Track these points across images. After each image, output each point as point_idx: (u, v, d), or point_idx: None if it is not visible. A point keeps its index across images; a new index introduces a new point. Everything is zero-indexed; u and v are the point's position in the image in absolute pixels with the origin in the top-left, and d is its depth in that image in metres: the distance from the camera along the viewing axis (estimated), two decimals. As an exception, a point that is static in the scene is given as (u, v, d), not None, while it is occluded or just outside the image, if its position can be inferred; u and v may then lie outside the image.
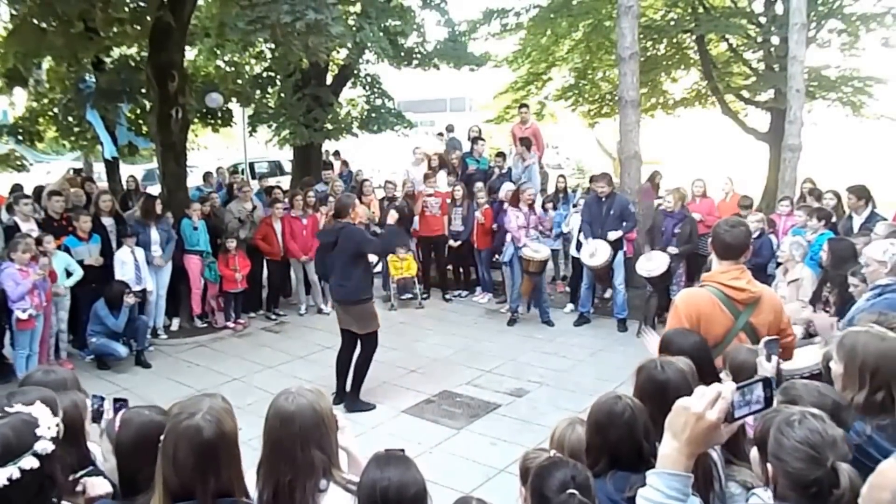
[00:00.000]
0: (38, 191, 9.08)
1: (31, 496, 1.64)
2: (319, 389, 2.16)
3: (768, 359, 2.75)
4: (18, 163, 12.70)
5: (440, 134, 12.10)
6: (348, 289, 5.89)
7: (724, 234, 3.29)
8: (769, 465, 1.75)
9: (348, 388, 6.04)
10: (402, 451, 2.12)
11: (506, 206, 8.76)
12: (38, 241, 6.74)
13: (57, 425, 1.74)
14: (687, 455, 1.45)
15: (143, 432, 1.93)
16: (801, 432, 1.66)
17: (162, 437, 1.84)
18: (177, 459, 1.77)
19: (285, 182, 14.40)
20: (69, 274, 7.06)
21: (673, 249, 7.72)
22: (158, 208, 7.90)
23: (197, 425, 1.79)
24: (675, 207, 7.94)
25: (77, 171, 10.11)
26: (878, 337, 2.26)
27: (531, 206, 8.42)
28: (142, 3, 8.39)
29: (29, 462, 1.62)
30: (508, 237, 8.43)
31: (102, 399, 2.37)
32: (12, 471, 1.59)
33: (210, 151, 24.60)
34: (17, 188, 9.50)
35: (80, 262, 7.20)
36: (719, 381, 2.64)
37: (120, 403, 2.39)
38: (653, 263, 7.65)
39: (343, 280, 5.88)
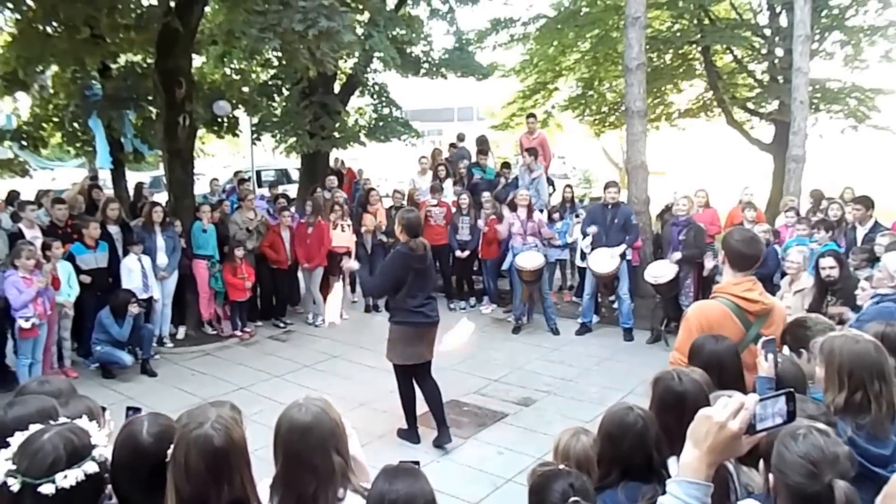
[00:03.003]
0: (42, 195, 9.10)
1: (87, 502, 1.69)
2: (325, 398, 2.16)
3: (766, 358, 2.74)
4: (21, 168, 12.69)
5: (452, 145, 12.10)
6: (437, 309, 5.46)
7: (738, 245, 3.25)
8: (771, 476, 1.76)
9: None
10: (415, 462, 2.12)
11: (504, 210, 8.86)
12: (48, 247, 6.75)
13: (107, 436, 1.81)
14: (707, 464, 1.45)
15: (139, 453, 1.88)
16: (803, 447, 1.67)
17: (171, 448, 1.83)
18: (188, 469, 1.77)
19: (292, 190, 14.44)
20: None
21: (676, 255, 7.72)
22: (157, 216, 7.87)
23: (206, 434, 1.79)
24: (687, 212, 7.98)
25: (93, 179, 10.08)
26: (853, 339, 2.35)
27: (529, 214, 8.41)
28: (151, 5, 8.43)
29: (91, 467, 1.68)
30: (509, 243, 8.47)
31: (138, 410, 2.34)
32: (78, 473, 1.64)
33: (217, 159, 24.73)
34: (14, 194, 9.48)
35: (84, 271, 7.21)
36: (744, 386, 2.66)
37: (133, 411, 2.36)
38: (660, 271, 7.66)
39: (431, 301, 5.40)
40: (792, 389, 1.48)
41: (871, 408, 2.23)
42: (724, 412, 1.40)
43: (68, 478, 1.63)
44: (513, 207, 8.49)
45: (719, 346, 2.89)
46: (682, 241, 7.79)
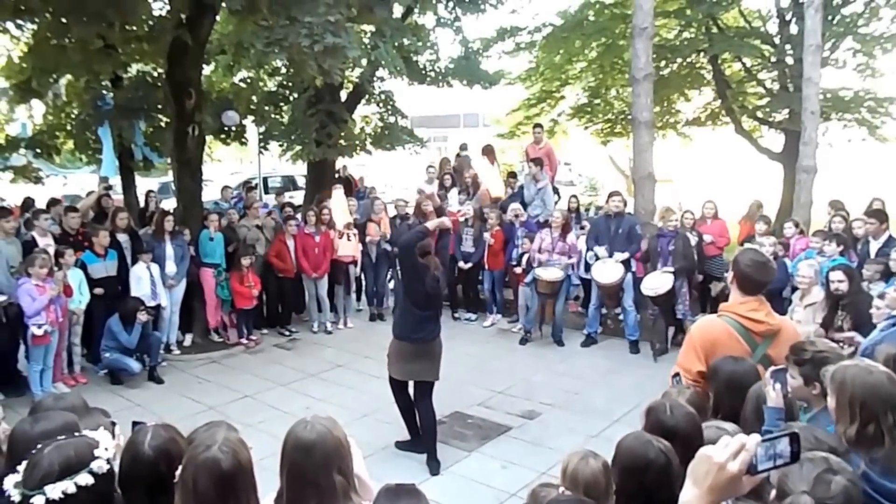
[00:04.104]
0: (53, 203, 9.18)
1: None
2: (331, 417, 2.18)
3: (774, 388, 2.69)
4: (34, 175, 12.85)
5: (458, 155, 12.13)
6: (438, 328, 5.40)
7: (747, 270, 3.23)
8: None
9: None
10: (413, 485, 2.13)
11: (517, 226, 8.89)
12: (60, 255, 6.82)
13: (116, 447, 1.91)
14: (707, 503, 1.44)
15: (140, 463, 1.95)
16: (808, 466, 1.68)
17: (179, 470, 1.87)
18: (196, 491, 1.81)
19: (298, 196, 14.48)
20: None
21: (668, 268, 7.70)
22: (169, 224, 7.95)
23: (215, 457, 1.83)
24: (674, 224, 8.00)
25: (107, 188, 10.13)
26: (866, 370, 2.29)
27: (563, 234, 8.41)
28: (162, 16, 8.50)
29: (84, 479, 1.76)
30: (524, 257, 8.46)
31: (144, 424, 2.38)
32: (68, 485, 1.73)
33: (224, 165, 24.86)
34: (29, 201, 9.57)
35: (94, 279, 7.27)
36: None
37: (138, 427, 2.39)
38: (657, 283, 7.65)
39: (433, 318, 5.34)
40: (796, 431, 1.47)
41: (883, 441, 2.17)
42: (725, 453, 1.39)
43: (56, 489, 1.72)
44: (544, 225, 8.52)
45: (738, 366, 2.88)
46: (671, 252, 7.78)
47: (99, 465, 1.80)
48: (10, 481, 1.76)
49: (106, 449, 1.86)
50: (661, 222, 8.17)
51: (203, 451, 1.85)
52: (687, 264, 7.81)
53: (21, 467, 1.78)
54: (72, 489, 1.73)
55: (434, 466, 5.23)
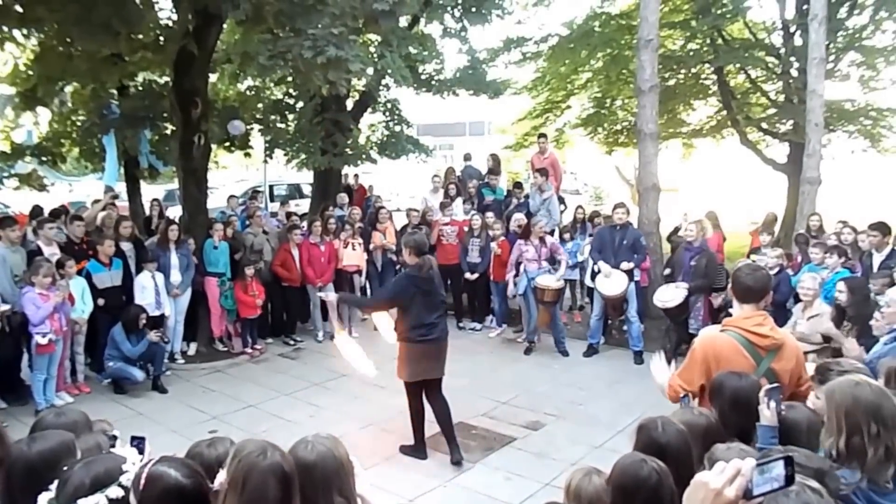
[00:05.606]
0: (58, 212, 9.20)
1: None
2: (333, 436, 2.18)
3: (768, 406, 2.67)
4: (39, 183, 12.92)
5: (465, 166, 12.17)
6: (446, 326, 5.60)
7: (745, 278, 3.25)
8: None
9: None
10: None
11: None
12: (60, 265, 6.82)
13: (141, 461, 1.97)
14: None
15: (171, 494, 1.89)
16: None
17: (231, 477, 1.84)
18: (266, 495, 1.81)
19: (304, 204, 14.50)
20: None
21: (683, 284, 7.65)
22: (173, 234, 7.96)
23: (278, 461, 1.86)
24: (696, 239, 7.90)
25: (114, 197, 10.14)
26: (853, 382, 2.29)
27: (542, 239, 8.42)
28: (168, 26, 8.56)
29: (115, 492, 1.83)
30: (521, 268, 8.45)
31: (143, 439, 2.37)
32: (99, 498, 1.80)
33: (230, 172, 24.95)
34: (37, 209, 9.60)
35: (99, 289, 7.28)
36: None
37: (137, 441, 2.39)
38: (668, 295, 7.61)
39: (441, 318, 5.50)
40: (791, 454, 1.47)
41: (867, 453, 2.16)
42: (720, 479, 1.39)
43: (88, 502, 1.79)
44: (525, 235, 8.49)
45: (743, 382, 2.86)
46: (693, 268, 7.72)
47: (128, 479, 1.86)
48: (44, 499, 1.83)
49: (133, 463, 1.92)
50: (689, 234, 8.03)
51: (262, 456, 1.85)
52: (705, 283, 7.74)
53: (55, 485, 1.86)
54: (103, 502, 1.80)
55: (457, 455, 5.36)
